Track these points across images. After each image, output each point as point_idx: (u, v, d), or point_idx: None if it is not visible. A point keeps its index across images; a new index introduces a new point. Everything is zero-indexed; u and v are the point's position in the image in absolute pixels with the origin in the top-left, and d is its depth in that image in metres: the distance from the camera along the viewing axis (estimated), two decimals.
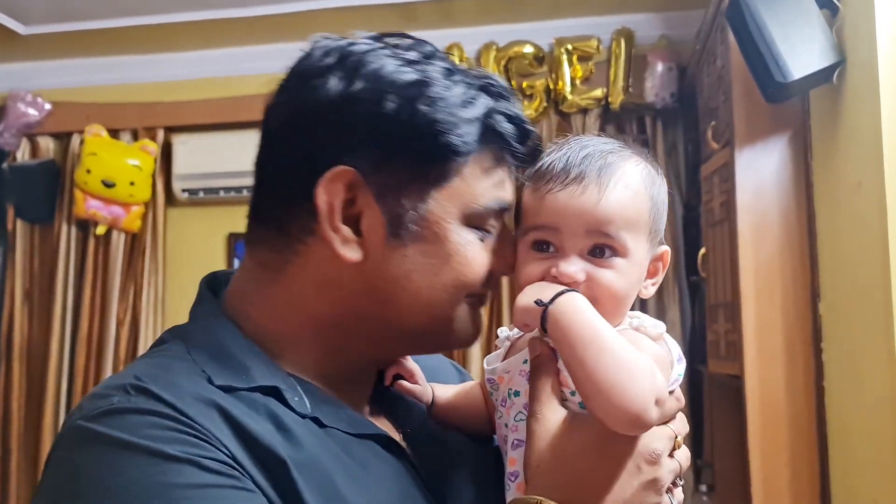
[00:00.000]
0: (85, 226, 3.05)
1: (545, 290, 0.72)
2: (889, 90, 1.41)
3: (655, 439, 0.70)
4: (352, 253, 0.71)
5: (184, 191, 3.02)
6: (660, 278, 0.81)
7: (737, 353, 1.89)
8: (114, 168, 2.92)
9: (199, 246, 3.10)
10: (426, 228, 0.71)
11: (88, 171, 2.91)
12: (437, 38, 3.08)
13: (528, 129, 0.75)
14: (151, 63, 3.10)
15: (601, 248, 0.74)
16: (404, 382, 0.84)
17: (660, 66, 2.70)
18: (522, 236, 0.77)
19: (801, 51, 1.56)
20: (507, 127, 0.73)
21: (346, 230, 0.71)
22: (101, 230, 3.00)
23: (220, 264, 3.07)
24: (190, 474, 0.59)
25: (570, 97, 2.81)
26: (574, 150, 0.77)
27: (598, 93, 2.79)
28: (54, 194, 3.08)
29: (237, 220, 3.24)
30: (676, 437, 0.73)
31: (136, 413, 0.62)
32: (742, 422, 1.84)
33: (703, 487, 2.51)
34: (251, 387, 0.68)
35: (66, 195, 3.06)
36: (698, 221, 2.47)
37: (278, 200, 0.74)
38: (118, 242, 3.02)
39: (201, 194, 3.02)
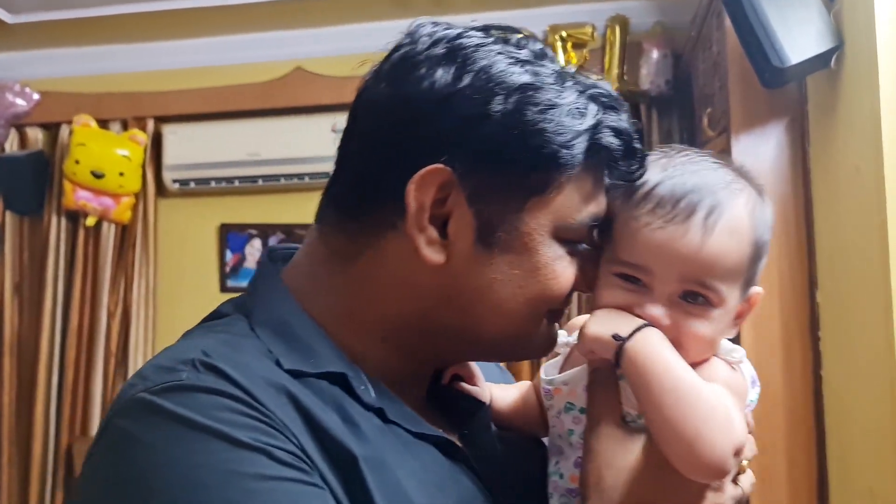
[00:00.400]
0: (74, 217, 3.02)
1: (622, 323, 0.68)
2: (888, 75, 1.39)
3: None
4: (435, 255, 0.67)
5: (174, 181, 2.99)
6: (746, 317, 0.76)
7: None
8: (103, 158, 2.88)
9: (191, 237, 3.07)
10: (517, 239, 0.68)
11: (77, 162, 2.88)
12: None
13: (636, 147, 0.71)
14: (141, 52, 3.06)
15: (693, 295, 0.69)
16: (464, 384, 0.80)
17: (655, 53, 2.68)
18: (609, 262, 0.72)
19: (799, 35, 1.54)
20: (613, 142, 0.69)
21: (433, 231, 0.67)
22: (90, 221, 2.97)
23: (211, 255, 3.05)
24: (261, 464, 0.56)
25: None
26: (680, 177, 0.71)
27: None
28: (43, 185, 3.05)
29: (228, 210, 3.21)
30: (742, 462, 0.70)
31: (206, 392, 0.58)
32: None
33: None
34: (319, 372, 0.65)
35: (55, 186, 3.02)
36: None
37: (363, 189, 0.70)
38: (108, 234, 2.99)
39: (192, 185, 2.99)
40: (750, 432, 0.73)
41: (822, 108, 1.69)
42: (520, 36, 0.71)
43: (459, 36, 0.69)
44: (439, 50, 0.68)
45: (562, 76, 0.69)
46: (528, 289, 0.69)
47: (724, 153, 1.93)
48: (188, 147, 2.96)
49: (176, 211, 3.08)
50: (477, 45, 0.68)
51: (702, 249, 0.68)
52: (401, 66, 0.70)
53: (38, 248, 3.05)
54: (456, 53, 0.67)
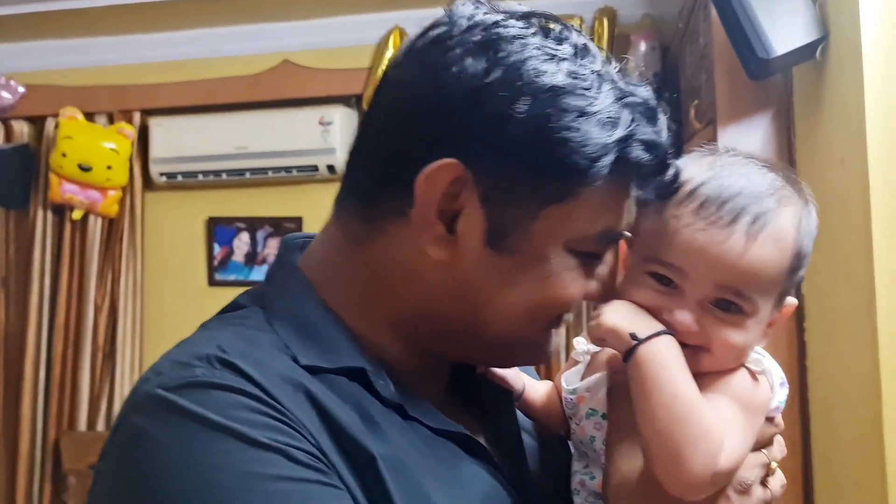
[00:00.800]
0: (61, 211, 3.00)
1: (643, 323, 0.66)
2: (872, 66, 1.39)
3: (747, 468, 0.67)
4: (439, 250, 0.65)
5: (162, 174, 2.98)
6: (778, 326, 0.74)
7: None
8: (90, 152, 2.87)
9: (178, 230, 3.06)
10: (528, 245, 0.65)
11: (64, 155, 2.86)
12: (419, 18, 3.01)
13: (668, 163, 0.67)
14: (127, 44, 3.04)
15: (727, 303, 0.67)
16: (498, 370, 0.78)
17: (643, 46, 2.67)
18: (643, 260, 0.70)
19: (784, 26, 1.54)
20: (642, 156, 0.65)
21: (440, 226, 0.65)
22: (77, 215, 2.95)
23: (199, 249, 3.03)
24: (278, 465, 0.55)
25: None
26: (728, 178, 0.68)
27: None
28: (29, 179, 3.03)
29: (216, 204, 3.20)
30: (771, 464, 0.70)
31: (222, 390, 0.57)
32: None
33: None
34: (338, 367, 0.63)
35: (41, 180, 3.00)
36: None
37: (377, 174, 0.68)
38: (95, 227, 2.98)
39: (180, 178, 2.97)
40: (779, 433, 0.72)
41: (808, 99, 1.69)
42: (562, 28, 0.67)
43: (497, 24, 0.65)
44: (474, 37, 0.64)
45: (601, 78, 0.65)
46: (534, 296, 0.66)
47: (710, 144, 1.93)
48: (175, 140, 2.94)
49: (163, 204, 3.06)
50: (513, 37, 0.64)
51: (743, 257, 0.66)
52: (433, 47, 0.66)
53: (25, 242, 3.03)
54: (491, 43, 0.64)
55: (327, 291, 0.69)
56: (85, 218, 2.97)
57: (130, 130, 2.94)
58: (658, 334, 0.65)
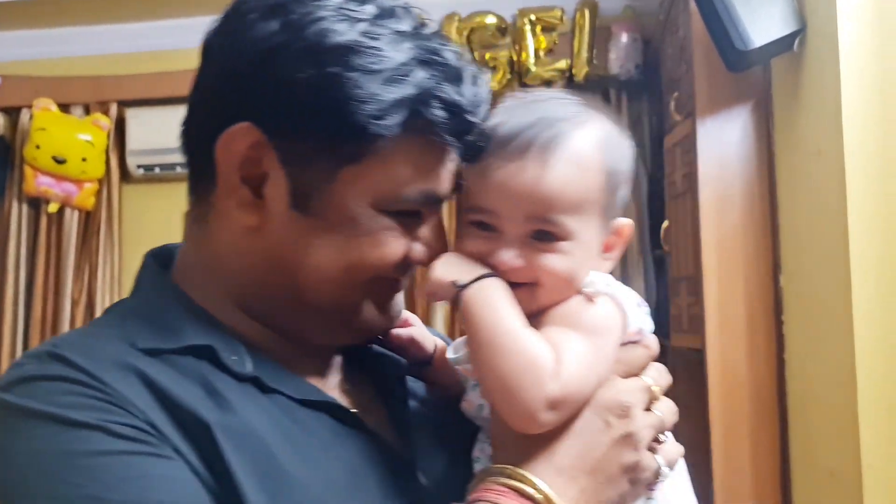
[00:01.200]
0: (36, 204, 2.96)
1: (466, 270, 0.67)
2: (849, 58, 1.39)
3: (624, 392, 0.67)
4: (247, 216, 0.66)
5: (139, 167, 2.94)
6: (617, 252, 0.75)
7: (699, 327, 1.88)
8: (65, 143, 2.82)
9: (156, 223, 3.00)
10: (332, 206, 0.66)
11: (38, 147, 2.82)
12: None
13: (470, 121, 0.67)
14: (103, 34, 2.99)
15: (544, 232, 0.68)
16: (400, 330, 0.79)
17: (624, 38, 2.67)
18: (464, 212, 0.71)
19: (762, 18, 1.54)
20: (439, 115, 0.65)
21: (245, 191, 0.66)
22: (53, 208, 2.91)
23: (177, 242, 3.00)
24: (97, 441, 0.56)
25: (533, 69, 2.76)
26: (521, 113, 0.69)
27: (563, 64, 2.75)
28: (3, 171, 2.97)
29: None
30: (654, 389, 0.69)
31: (46, 380, 0.59)
32: (703, 394, 1.84)
33: None
34: (180, 347, 0.64)
35: (15, 172, 2.95)
36: (663, 194, 2.45)
37: (192, 148, 0.70)
38: (71, 220, 2.93)
39: (157, 170, 2.93)
40: (653, 358, 0.72)
41: (786, 91, 1.70)
42: None
43: (316, 3, 0.65)
44: (269, 1, 0.65)
45: (401, 37, 0.65)
46: (345, 256, 0.67)
47: (689, 137, 1.93)
48: (153, 132, 2.90)
49: (141, 197, 3.02)
50: (317, 3, 0.65)
51: (539, 183, 0.67)
52: (233, 13, 0.68)
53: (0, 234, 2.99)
54: (283, 6, 0.65)
55: (181, 277, 0.72)
56: (61, 211, 2.93)
57: (106, 122, 2.90)
58: (480, 278, 0.66)
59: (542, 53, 2.77)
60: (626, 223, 0.75)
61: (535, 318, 0.68)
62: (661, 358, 2.44)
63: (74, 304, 2.91)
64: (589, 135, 0.70)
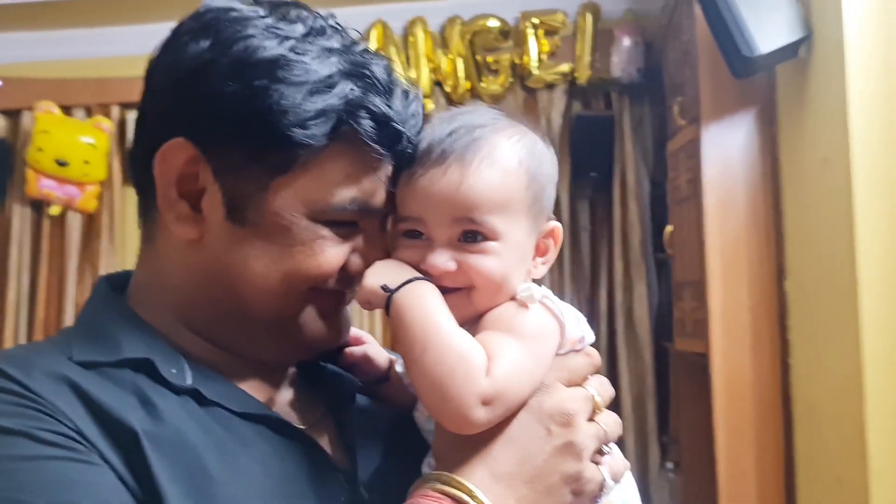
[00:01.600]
0: (38, 206, 2.95)
1: (395, 274, 0.68)
2: (856, 65, 1.39)
3: (566, 400, 0.67)
4: (186, 230, 0.68)
5: None
6: (551, 256, 0.76)
7: (703, 331, 1.88)
8: (67, 146, 2.82)
9: None
10: (266, 217, 0.67)
11: (40, 150, 2.81)
12: (402, 11, 3.01)
13: (398, 131, 0.69)
14: (106, 36, 2.99)
15: (471, 234, 0.69)
16: (352, 349, 0.79)
17: (626, 41, 2.67)
18: (396, 224, 0.72)
19: (768, 25, 1.54)
20: (365, 124, 0.67)
21: (183, 206, 0.68)
22: (55, 211, 2.90)
23: None
24: (22, 446, 0.58)
25: (535, 72, 2.76)
26: (441, 126, 0.71)
27: (565, 68, 2.76)
28: (5, 174, 2.97)
29: None
30: (597, 400, 0.69)
31: None
32: (708, 399, 1.84)
33: (670, 464, 2.52)
34: (118, 360, 0.65)
35: (17, 175, 2.95)
36: (664, 198, 2.46)
37: (138, 171, 0.71)
38: (74, 223, 2.93)
39: None
40: (595, 369, 0.72)
41: (792, 97, 1.70)
42: (306, 14, 0.70)
43: (228, 10, 0.68)
44: (203, 21, 0.68)
45: (329, 52, 0.67)
46: (282, 265, 0.68)
47: (693, 142, 1.93)
48: None
49: None
50: (238, 19, 0.67)
51: (461, 186, 0.68)
52: (172, 35, 0.70)
53: (1, 238, 2.97)
54: (213, 26, 0.67)
55: (134, 298, 0.73)
56: (63, 214, 2.92)
57: (108, 125, 2.90)
58: (408, 281, 0.67)
59: (544, 57, 2.77)
60: (555, 225, 0.75)
61: (470, 325, 0.68)
62: (664, 361, 2.46)
63: (78, 307, 2.91)
64: (507, 138, 0.71)
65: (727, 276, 1.83)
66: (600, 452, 0.68)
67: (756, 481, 1.77)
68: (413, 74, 2.78)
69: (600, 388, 0.71)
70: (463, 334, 0.65)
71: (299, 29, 0.68)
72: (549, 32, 2.78)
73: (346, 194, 0.68)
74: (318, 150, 0.66)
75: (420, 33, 2.80)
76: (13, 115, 3.00)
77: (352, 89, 0.67)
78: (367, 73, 0.68)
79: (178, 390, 0.66)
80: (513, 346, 0.66)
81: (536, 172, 0.72)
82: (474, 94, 2.79)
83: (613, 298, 2.72)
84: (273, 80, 0.65)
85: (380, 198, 0.71)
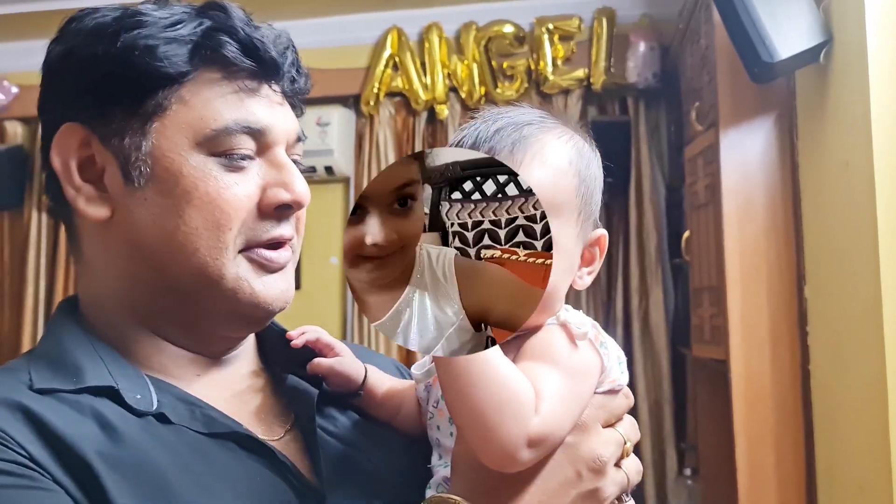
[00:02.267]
0: None
1: None
2: (878, 69, 1.38)
3: (603, 444, 0.64)
4: (98, 210, 0.68)
5: None
6: (597, 266, 0.72)
7: (722, 338, 1.87)
8: None
9: None
10: (155, 164, 0.67)
11: None
12: (417, 17, 3.02)
13: (256, 41, 0.70)
14: None
15: None
16: (320, 360, 0.76)
17: (642, 46, 2.67)
18: None
19: (788, 30, 1.53)
20: (223, 40, 0.69)
21: (88, 187, 0.69)
22: None
23: None
24: None
25: (551, 78, 2.76)
26: (486, 123, 0.68)
27: (580, 73, 2.75)
28: (24, 180, 3.00)
29: None
30: (626, 445, 0.66)
31: None
32: (727, 406, 1.83)
33: (688, 471, 2.50)
34: (78, 388, 0.65)
35: (35, 181, 2.98)
36: (681, 203, 2.44)
37: (49, 183, 0.72)
38: None
39: None
40: (630, 413, 0.69)
41: (811, 102, 1.69)
42: (164, 3, 0.73)
43: (92, 10, 0.71)
44: (62, 27, 0.72)
45: (175, 5, 0.71)
46: (188, 217, 0.67)
47: (711, 148, 1.92)
48: None
49: None
50: (88, 12, 0.71)
51: None
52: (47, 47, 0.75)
53: (19, 243, 3.00)
54: (73, 25, 0.71)
55: (85, 312, 0.73)
56: None
57: None
58: None
59: (559, 62, 2.78)
60: (602, 233, 0.72)
61: (511, 345, 0.63)
62: (682, 367, 2.44)
63: None
64: (556, 137, 0.68)
65: (746, 282, 1.82)
66: (619, 500, 0.66)
67: (777, 489, 1.76)
68: (428, 80, 2.78)
69: (630, 431, 0.68)
70: (512, 368, 0.60)
71: (148, 7, 0.71)
72: (565, 38, 2.78)
73: (227, 115, 0.68)
74: (187, 79, 0.68)
75: (435, 39, 2.80)
76: (32, 122, 3.03)
77: (205, 20, 0.69)
78: (218, 6, 0.71)
79: (142, 413, 0.66)
80: (559, 383, 0.62)
81: (586, 175, 0.69)
82: (489, 99, 2.79)
83: (630, 304, 2.71)
84: (125, 30, 0.67)
85: (260, 116, 0.69)
